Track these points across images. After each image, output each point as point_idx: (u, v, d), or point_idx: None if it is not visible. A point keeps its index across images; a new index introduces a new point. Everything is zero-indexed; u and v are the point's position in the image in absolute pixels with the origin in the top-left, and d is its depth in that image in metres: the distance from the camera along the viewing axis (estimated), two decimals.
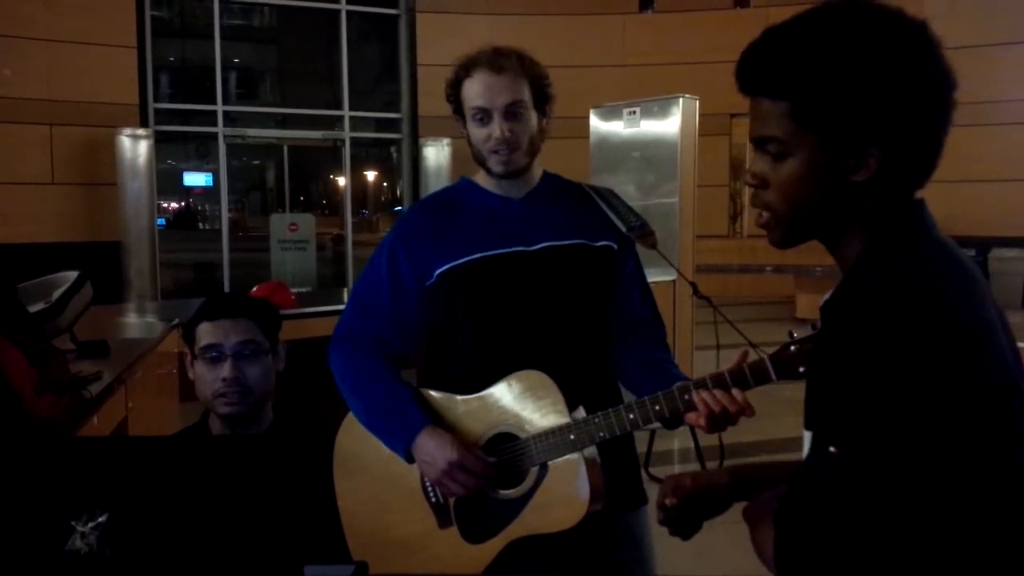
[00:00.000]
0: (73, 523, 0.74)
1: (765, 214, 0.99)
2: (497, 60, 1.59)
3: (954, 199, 6.67)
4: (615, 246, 1.68)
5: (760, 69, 0.95)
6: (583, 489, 1.46)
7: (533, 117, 1.62)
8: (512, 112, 1.59)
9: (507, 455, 1.51)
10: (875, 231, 0.96)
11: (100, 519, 0.74)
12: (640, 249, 1.72)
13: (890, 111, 0.91)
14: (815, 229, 0.99)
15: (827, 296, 0.97)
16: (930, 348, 0.85)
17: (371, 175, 13.10)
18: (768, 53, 0.95)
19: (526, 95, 1.60)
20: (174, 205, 15.65)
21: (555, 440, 1.47)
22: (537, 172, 1.71)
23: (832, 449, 0.85)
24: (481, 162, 1.64)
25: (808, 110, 0.92)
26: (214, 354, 1.66)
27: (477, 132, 1.61)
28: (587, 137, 6.63)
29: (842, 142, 0.92)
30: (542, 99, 1.64)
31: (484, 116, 1.59)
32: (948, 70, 0.94)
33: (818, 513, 0.85)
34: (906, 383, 0.84)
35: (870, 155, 0.92)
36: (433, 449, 1.51)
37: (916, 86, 0.91)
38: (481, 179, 1.70)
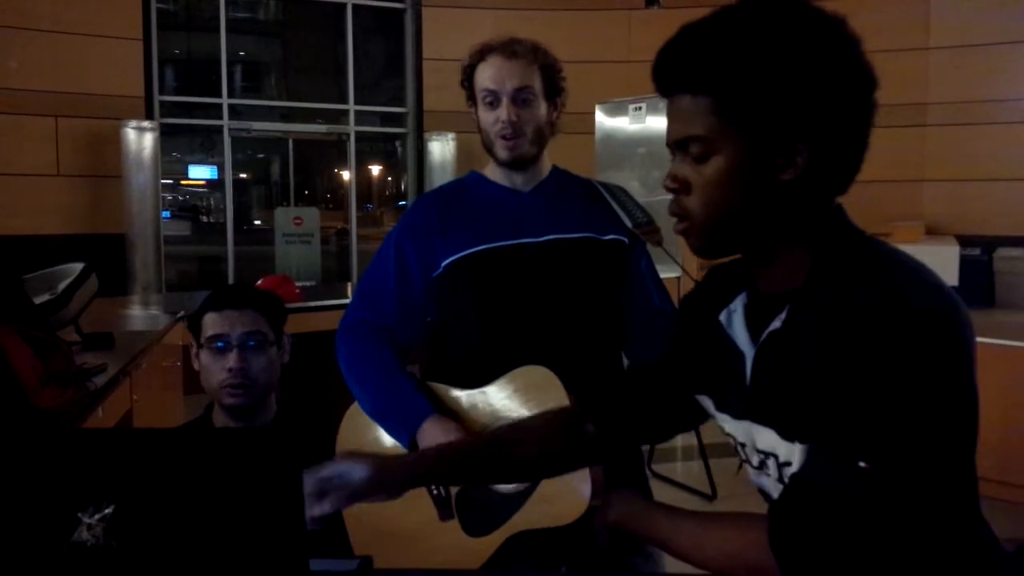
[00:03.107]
0: (79, 515, 0.75)
1: (684, 222, 0.95)
2: (511, 46, 1.62)
3: (959, 198, 6.64)
4: (626, 240, 1.68)
5: (681, 64, 0.92)
6: (585, 484, 1.46)
7: (542, 107, 1.63)
8: (521, 97, 1.60)
9: None
10: (820, 241, 0.93)
11: (106, 511, 0.75)
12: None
13: (816, 104, 0.88)
14: (740, 235, 0.94)
15: (780, 318, 0.93)
16: (952, 359, 0.85)
17: (376, 169, 13.09)
18: (689, 48, 0.92)
19: (537, 83, 1.61)
20: (179, 198, 15.62)
21: None
22: (546, 166, 1.71)
23: (863, 464, 0.83)
24: (489, 148, 1.66)
25: (733, 103, 0.89)
26: (219, 344, 1.67)
27: (486, 116, 1.63)
28: (592, 133, 6.61)
29: (769, 137, 0.89)
30: (553, 91, 1.65)
31: (493, 99, 1.61)
32: (869, 68, 0.91)
33: (859, 529, 0.83)
34: (937, 394, 0.84)
35: (798, 152, 0.90)
36: (439, 436, 1.51)
37: (839, 80, 0.89)
38: (489, 172, 1.71)
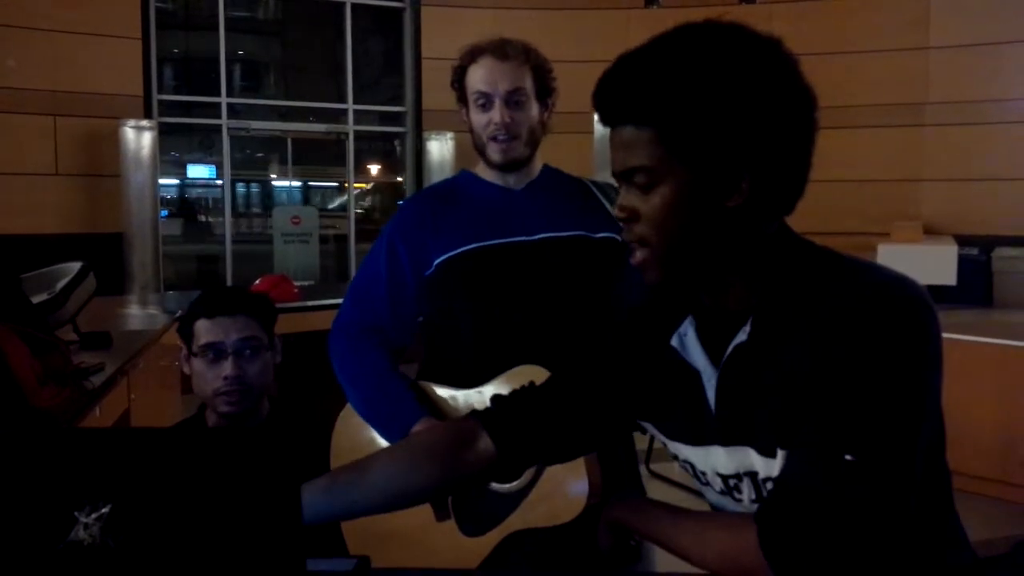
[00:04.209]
0: (76, 514, 0.75)
1: (640, 252, 0.94)
2: (502, 48, 1.61)
3: (958, 197, 6.64)
4: (618, 238, 1.68)
5: (623, 95, 0.91)
6: (581, 484, 1.46)
7: (534, 108, 1.63)
8: (513, 100, 1.60)
9: None
10: (772, 257, 0.94)
11: (103, 510, 0.75)
12: None
13: (757, 128, 0.88)
14: (692, 262, 0.94)
15: (744, 331, 0.93)
16: (928, 346, 0.87)
17: (375, 168, 13.12)
18: (630, 78, 0.91)
19: (528, 84, 1.61)
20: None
21: None
22: (537, 165, 1.71)
23: (849, 457, 0.83)
24: (481, 150, 1.65)
25: (676, 133, 0.89)
26: (214, 352, 1.66)
27: (478, 118, 1.63)
28: (591, 132, 6.61)
29: (713, 164, 0.89)
30: (545, 91, 1.65)
31: (486, 101, 1.61)
32: (808, 87, 0.91)
33: (848, 524, 0.83)
34: (917, 382, 0.85)
35: (742, 178, 0.90)
36: None
37: (778, 102, 0.89)
38: (480, 170, 1.71)
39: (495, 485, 1.52)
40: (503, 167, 1.65)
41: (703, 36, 0.91)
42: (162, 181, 7.86)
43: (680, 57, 0.89)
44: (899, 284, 0.89)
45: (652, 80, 0.89)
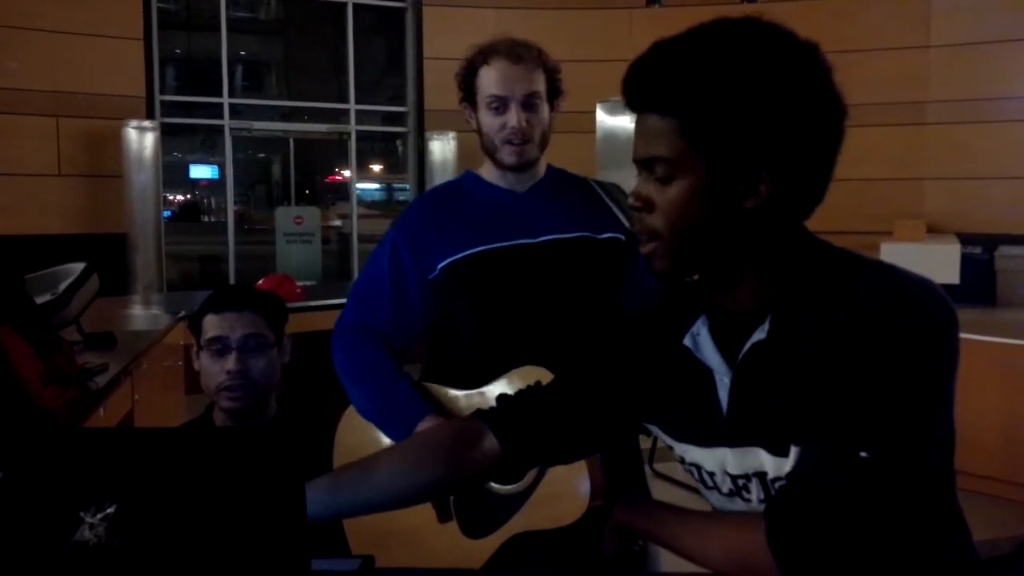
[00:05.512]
0: (81, 514, 0.75)
1: (649, 243, 0.93)
2: (517, 50, 1.60)
3: (960, 196, 6.63)
4: (623, 238, 1.67)
5: (650, 83, 0.90)
6: (584, 485, 1.46)
7: (546, 110, 1.63)
8: (529, 103, 1.59)
9: None
10: (789, 259, 0.93)
11: (108, 510, 0.75)
12: None
13: (782, 132, 0.87)
14: (705, 259, 0.94)
15: (763, 329, 0.92)
16: (950, 351, 0.87)
17: (377, 168, 13.13)
18: (659, 66, 0.90)
19: (542, 87, 1.61)
20: (180, 197, 15.64)
21: None
22: (542, 166, 1.71)
23: (864, 455, 0.83)
24: (491, 152, 1.64)
25: (699, 127, 0.88)
26: (219, 347, 1.67)
27: (491, 121, 1.61)
28: (593, 132, 6.60)
29: (732, 163, 0.88)
30: (554, 93, 1.65)
31: (500, 105, 1.59)
32: (839, 97, 0.91)
33: (859, 523, 0.83)
34: (934, 383, 0.86)
35: (761, 180, 0.88)
36: None
37: (807, 109, 0.88)
38: (485, 172, 1.70)
39: (497, 487, 1.52)
40: (515, 169, 1.64)
41: (738, 32, 0.90)
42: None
43: (712, 50, 0.88)
44: (918, 284, 0.88)
45: (681, 70, 0.88)
